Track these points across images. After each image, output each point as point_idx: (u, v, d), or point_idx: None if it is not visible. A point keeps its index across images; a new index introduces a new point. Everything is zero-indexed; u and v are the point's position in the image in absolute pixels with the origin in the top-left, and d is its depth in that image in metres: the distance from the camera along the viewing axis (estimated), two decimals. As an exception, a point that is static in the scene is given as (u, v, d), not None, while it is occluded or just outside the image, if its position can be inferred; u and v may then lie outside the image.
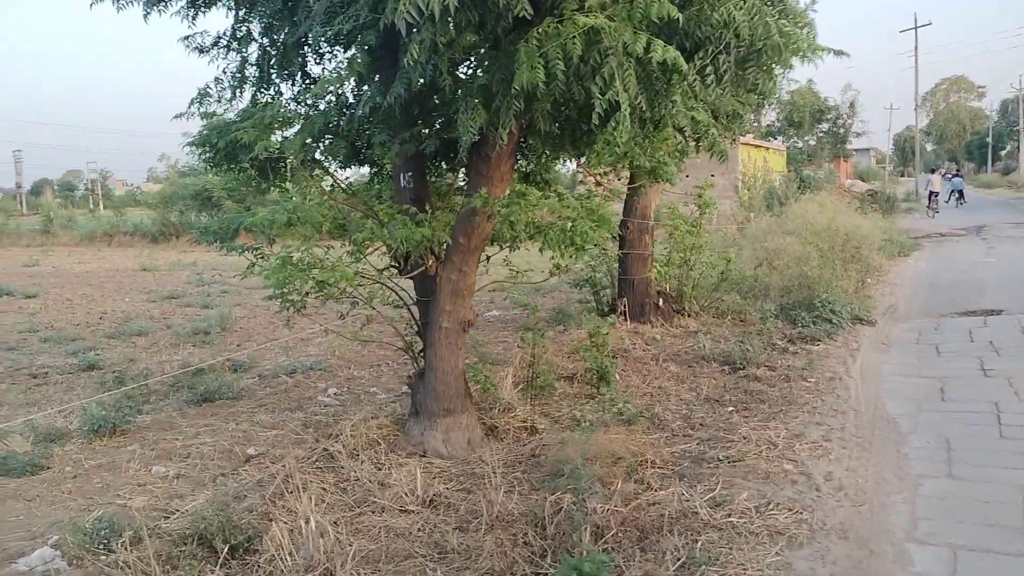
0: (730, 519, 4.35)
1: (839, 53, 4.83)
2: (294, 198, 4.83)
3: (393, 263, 5.91)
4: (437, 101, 4.64)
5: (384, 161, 5.01)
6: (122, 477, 5.64)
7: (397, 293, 6.08)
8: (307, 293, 5.46)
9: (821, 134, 48.35)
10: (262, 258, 6.04)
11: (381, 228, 4.86)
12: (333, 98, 5.25)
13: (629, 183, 9.06)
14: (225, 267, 22.49)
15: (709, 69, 4.48)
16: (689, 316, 9.87)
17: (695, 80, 4.48)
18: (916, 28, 49.18)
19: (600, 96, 4.12)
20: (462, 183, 6.63)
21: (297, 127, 5.28)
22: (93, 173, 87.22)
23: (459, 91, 4.38)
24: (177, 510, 4.98)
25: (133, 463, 5.91)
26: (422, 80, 4.26)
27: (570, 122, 5.10)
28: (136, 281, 19.68)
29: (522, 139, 5.39)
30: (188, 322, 12.65)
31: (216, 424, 6.88)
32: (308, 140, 4.98)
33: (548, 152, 5.60)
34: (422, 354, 6.10)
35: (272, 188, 6.41)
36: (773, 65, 4.77)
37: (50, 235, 35.38)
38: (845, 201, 18.89)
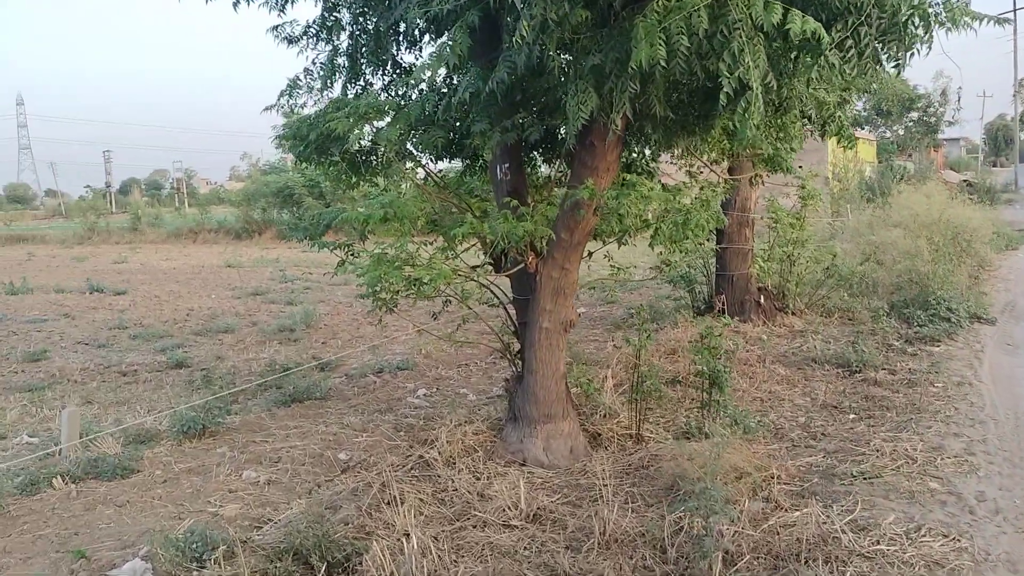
0: (878, 546, 3.87)
1: (1001, 21, 4.26)
2: (389, 192, 4.54)
3: (488, 260, 5.58)
4: (544, 86, 4.27)
5: (484, 151, 4.67)
6: (212, 482, 5.47)
7: (492, 292, 5.75)
8: (398, 291, 5.19)
9: (910, 123, 46.24)
10: (352, 255, 5.82)
11: (482, 223, 4.53)
12: (426, 87, 4.95)
13: (728, 173, 8.53)
14: (308, 263, 22.71)
15: (849, 43, 3.99)
16: (793, 314, 9.27)
17: (832, 57, 3.99)
18: (1015, 11, 46.42)
19: (728, 75, 3.69)
20: (559, 175, 6.27)
21: (390, 117, 5.00)
22: (179, 172, 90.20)
23: (568, 73, 4.01)
24: (269, 520, 4.77)
25: (223, 467, 5.75)
26: (528, 62, 3.90)
27: (682, 106, 4.67)
28: (221, 277, 20.01)
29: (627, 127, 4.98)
30: (273, 319, 12.66)
31: (305, 426, 6.69)
32: (404, 130, 4.68)
33: (659, 139, 5.17)
34: (519, 356, 5.77)
35: (361, 183, 6.19)
36: (918, 36, 4.22)
37: (138, 233, 36.60)
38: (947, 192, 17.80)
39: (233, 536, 4.32)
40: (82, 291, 17.36)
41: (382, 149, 5.27)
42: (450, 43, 3.99)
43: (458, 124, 4.91)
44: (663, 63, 3.62)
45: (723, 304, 9.09)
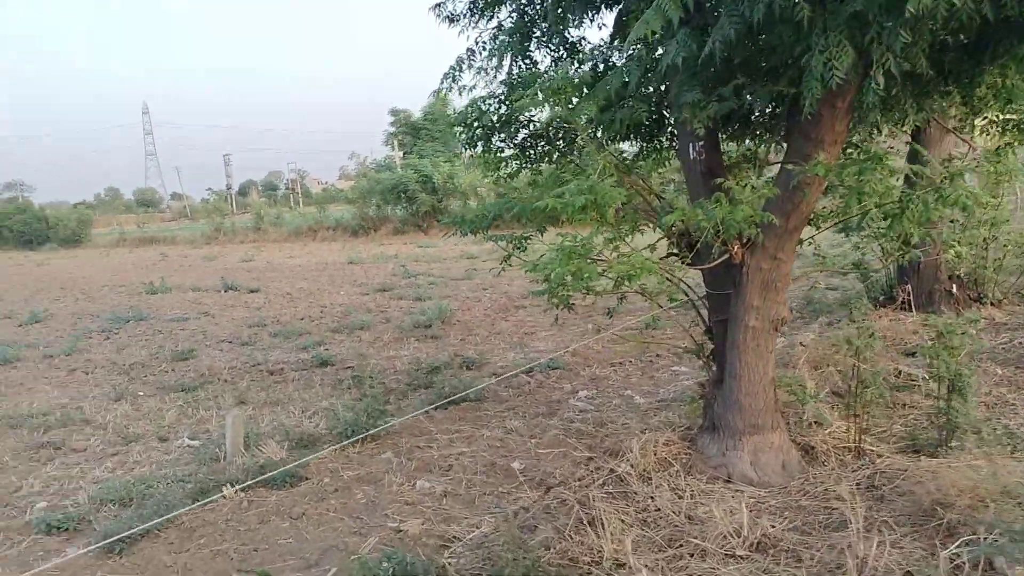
0: None
1: None
2: (585, 177, 4.02)
3: (674, 251, 4.99)
4: (773, 44, 3.65)
5: (693, 124, 4.07)
6: (385, 492, 5.13)
7: (681, 288, 5.15)
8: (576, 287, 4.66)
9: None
10: (521, 249, 5.36)
11: (694, 209, 3.94)
12: (623, 56, 4.39)
13: (913, 141, 7.57)
14: (427, 259, 22.70)
15: None
16: (992, 305, 8.25)
17: None
18: None
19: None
20: (744, 153, 5.61)
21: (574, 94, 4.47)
22: (293, 173, 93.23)
23: (815, 25, 3.37)
24: (456, 538, 4.36)
25: (392, 475, 5.41)
26: (768, 14, 3.29)
27: (940, 59, 3.94)
28: (345, 274, 20.15)
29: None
30: (405, 315, 12.47)
31: (467, 430, 6.30)
32: (601, 106, 4.15)
33: (911, 101, 4.41)
34: (712, 358, 5.16)
35: (523, 170, 5.74)
36: None
37: (261, 232, 37.78)
38: None
39: (425, 557, 3.93)
40: (217, 289, 17.78)
41: (567, 129, 4.78)
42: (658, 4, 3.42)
43: (664, 95, 4.34)
44: (945, 3, 2.95)
45: (907, 295, 8.16)
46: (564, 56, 5.44)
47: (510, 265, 5.42)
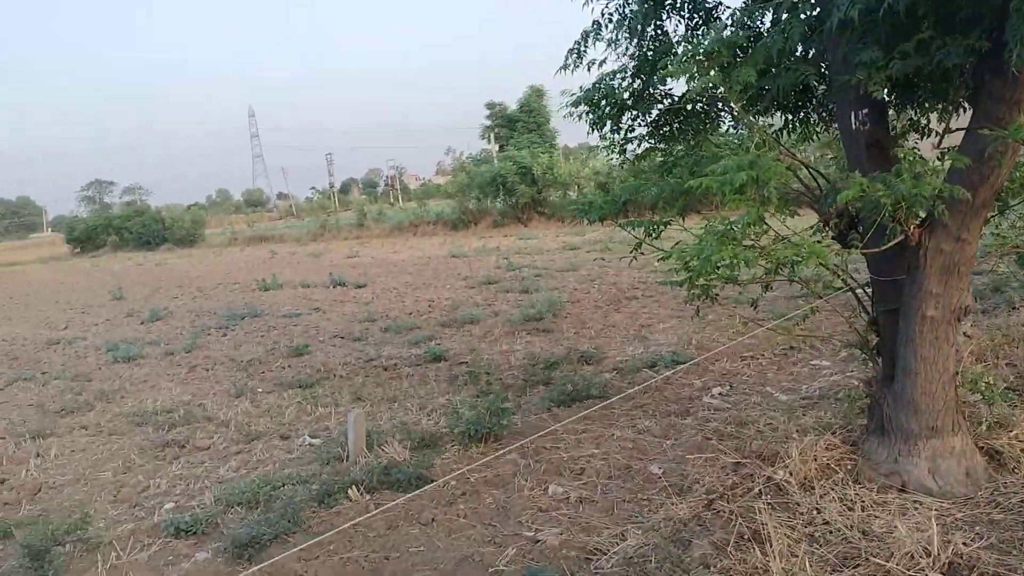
0: None
1: None
2: (750, 151, 3.59)
3: (833, 233, 4.47)
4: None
5: (871, 88, 3.56)
6: (516, 497, 4.84)
7: (839, 274, 4.62)
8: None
9: None
10: (654, 236, 4.94)
11: (873, 184, 3.45)
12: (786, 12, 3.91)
13: None
14: (529, 251, 22.45)
15: None
16: None
17: None
18: None
19: None
20: (909, 120, 5.00)
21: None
22: (391, 170, 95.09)
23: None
24: (599, 550, 4.01)
25: (521, 478, 5.12)
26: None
27: None
28: (449, 268, 20.11)
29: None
30: (513, 308, 12.22)
31: (595, 430, 5.95)
32: (759, 71, 3.69)
33: None
34: (878, 352, 4.62)
35: (660, 151, 5.31)
36: None
37: (364, 228, 38.46)
38: None
39: (570, 573, 3.61)
40: (326, 285, 18.02)
41: (708, 102, 4.33)
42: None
43: (832, 56, 3.85)
44: None
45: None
46: (700, 23, 4.99)
47: (642, 253, 5.01)
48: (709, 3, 4.98)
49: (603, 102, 4.97)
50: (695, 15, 5.02)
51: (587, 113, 5.06)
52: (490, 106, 66.23)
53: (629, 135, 5.11)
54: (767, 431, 5.38)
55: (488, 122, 67.76)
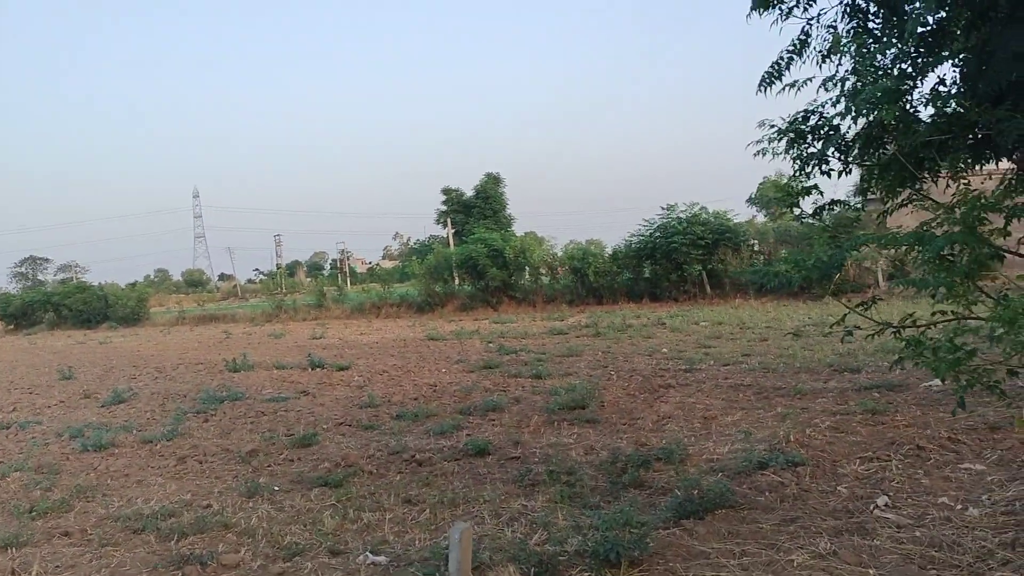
0: None
1: None
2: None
3: None
4: None
5: None
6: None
7: None
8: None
9: None
10: (866, 308, 3.87)
11: None
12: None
13: None
14: (515, 335, 21.27)
15: None
16: None
17: None
18: None
19: None
20: None
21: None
22: (340, 253, 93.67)
23: None
24: None
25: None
26: None
27: None
28: (432, 351, 18.74)
29: None
30: (534, 395, 11.00)
31: (754, 551, 4.70)
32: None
33: None
34: None
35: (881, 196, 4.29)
36: None
37: (323, 308, 36.81)
38: None
39: None
40: (302, 367, 16.47)
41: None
42: None
43: None
44: None
45: None
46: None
47: (858, 327, 3.92)
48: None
49: (810, 134, 3.97)
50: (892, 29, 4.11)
51: (788, 149, 4.03)
52: (446, 191, 66.25)
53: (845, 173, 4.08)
54: (985, 557, 4.23)
55: (443, 207, 67.63)
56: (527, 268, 32.40)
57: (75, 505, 6.73)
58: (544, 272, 32.85)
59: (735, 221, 30.27)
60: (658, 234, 29.62)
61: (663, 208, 30.44)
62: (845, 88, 3.89)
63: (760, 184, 72.90)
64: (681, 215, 29.60)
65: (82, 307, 41.99)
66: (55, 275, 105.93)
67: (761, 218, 63.56)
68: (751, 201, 76.66)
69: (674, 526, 5.23)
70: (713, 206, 40.62)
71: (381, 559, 5.11)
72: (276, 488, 7.03)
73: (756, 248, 30.61)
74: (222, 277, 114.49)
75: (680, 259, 28.86)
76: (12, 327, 44.84)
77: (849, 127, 3.89)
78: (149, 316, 42.02)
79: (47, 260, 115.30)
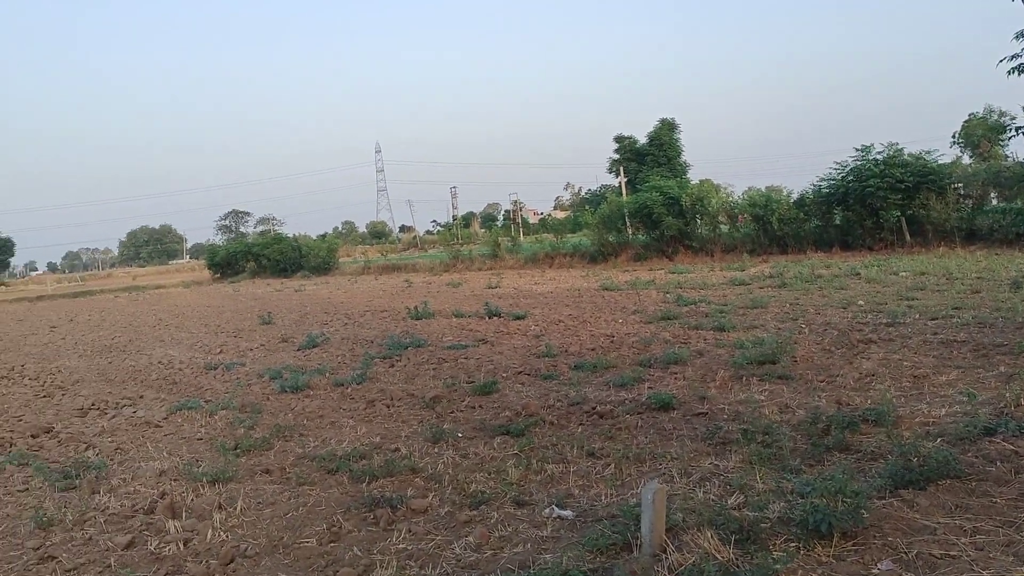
0: None
1: None
2: None
3: None
4: None
5: None
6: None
7: None
8: None
9: None
10: None
11: None
12: None
13: None
14: (694, 285, 20.56)
15: None
16: None
17: None
18: None
19: None
20: None
21: None
22: (512, 204, 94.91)
23: None
24: None
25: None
26: None
27: None
28: (606, 301, 18.46)
29: None
30: (717, 348, 10.49)
31: (988, 528, 4.13)
32: None
33: None
34: None
35: None
36: None
37: (497, 259, 37.47)
38: None
39: None
40: (480, 315, 16.75)
41: None
42: None
43: None
44: None
45: None
46: None
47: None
48: None
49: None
50: None
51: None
52: (619, 139, 64.89)
53: None
54: None
55: (616, 156, 66.39)
56: (704, 216, 31.15)
57: (275, 444, 7.14)
58: (723, 220, 31.46)
59: (939, 163, 27.40)
60: (851, 178, 27.36)
61: (857, 149, 28.07)
62: None
63: (964, 122, 65.63)
64: (878, 156, 27.16)
65: (279, 257, 45.33)
66: (255, 227, 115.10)
67: (967, 159, 57.40)
68: (955, 141, 69.41)
69: (890, 496, 4.71)
70: (911, 148, 37.05)
71: (568, 513, 4.98)
72: (460, 434, 7.11)
73: (963, 192, 27.62)
74: (403, 228, 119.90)
75: (876, 204, 26.57)
76: (218, 275, 49.28)
77: None
78: (338, 265, 44.69)
79: (248, 214, 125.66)
